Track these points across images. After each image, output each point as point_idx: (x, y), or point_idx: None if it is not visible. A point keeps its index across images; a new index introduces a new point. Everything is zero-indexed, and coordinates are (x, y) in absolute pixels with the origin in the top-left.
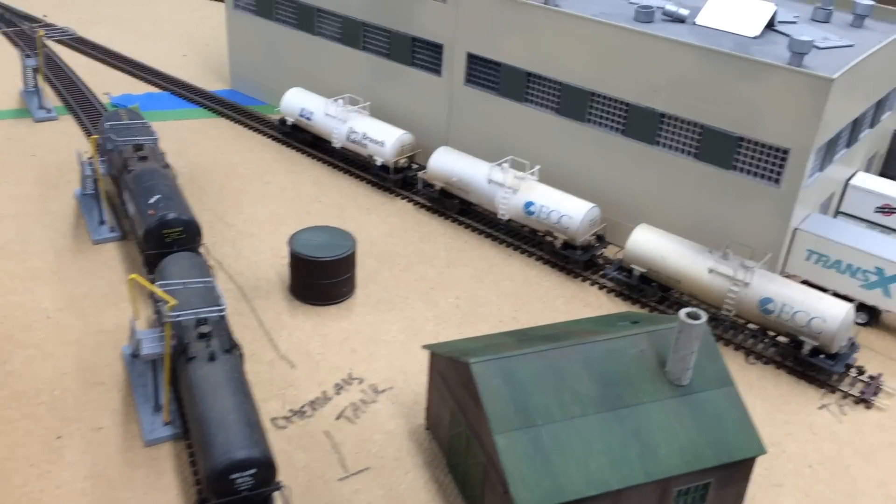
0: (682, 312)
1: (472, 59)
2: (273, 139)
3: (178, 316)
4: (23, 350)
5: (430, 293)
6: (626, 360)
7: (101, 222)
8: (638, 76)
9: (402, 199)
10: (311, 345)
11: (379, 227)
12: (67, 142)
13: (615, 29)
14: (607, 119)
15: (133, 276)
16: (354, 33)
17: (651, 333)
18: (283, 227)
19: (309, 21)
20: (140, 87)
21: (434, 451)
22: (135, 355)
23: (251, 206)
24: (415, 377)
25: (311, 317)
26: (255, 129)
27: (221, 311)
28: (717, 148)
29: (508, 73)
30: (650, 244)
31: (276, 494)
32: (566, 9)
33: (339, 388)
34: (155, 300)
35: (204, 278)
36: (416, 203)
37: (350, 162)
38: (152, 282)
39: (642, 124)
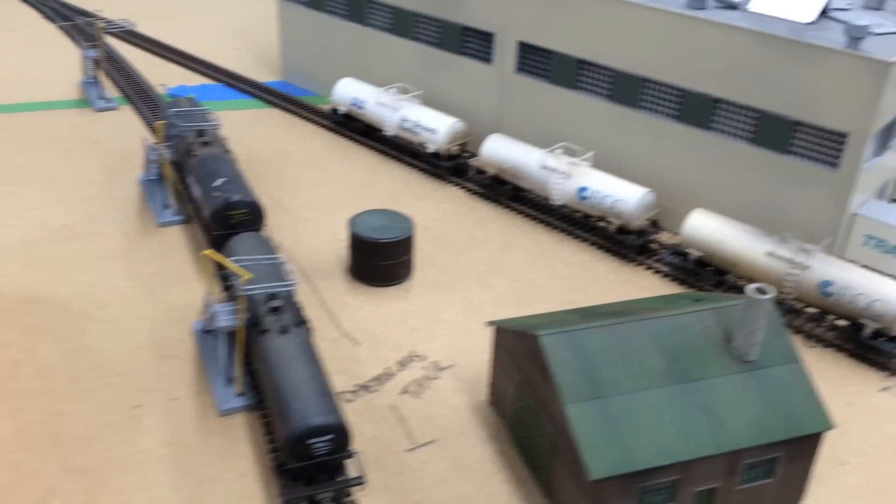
0: (751, 287)
1: (524, 48)
2: (325, 128)
3: (252, 290)
4: (98, 325)
5: (485, 276)
6: (692, 336)
7: (166, 206)
8: (692, 62)
9: (454, 185)
10: (373, 323)
11: (432, 212)
12: (128, 130)
13: (669, 15)
14: (660, 105)
15: (207, 251)
16: (405, 23)
17: (717, 310)
18: (338, 211)
19: (359, 12)
20: (194, 79)
21: (498, 425)
22: (206, 331)
23: (307, 192)
24: (475, 355)
25: (371, 297)
26: (308, 119)
27: (292, 285)
28: (773, 132)
29: (560, 61)
30: (707, 228)
31: (350, 462)
32: None
33: (401, 365)
34: (225, 277)
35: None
36: (468, 190)
37: (401, 150)
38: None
39: (696, 109)
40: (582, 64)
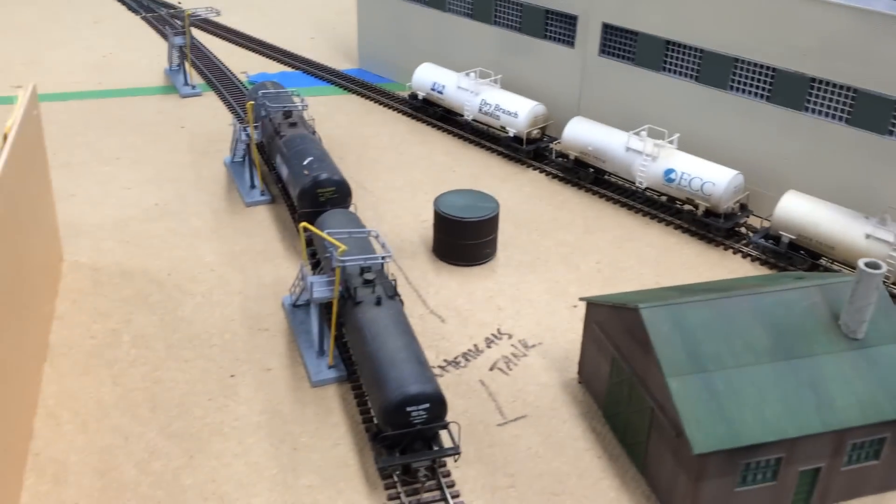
0: (862, 262)
1: (608, 30)
2: (403, 114)
3: (350, 261)
4: (192, 298)
5: (569, 257)
6: (798, 312)
7: (252, 186)
8: (785, 40)
9: (534, 169)
10: (459, 301)
11: (514, 195)
12: (212, 115)
13: None
14: (751, 85)
15: (303, 223)
16: (486, 8)
17: (823, 286)
18: (420, 193)
19: None
20: (274, 67)
21: (588, 402)
22: (296, 305)
23: (388, 175)
24: (562, 334)
25: (456, 276)
26: (386, 105)
27: (389, 257)
28: (872, 112)
29: (646, 42)
30: (800, 210)
31: (444, 432)
32: None
33: (489, 342)
34: (315, 251)
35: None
36: (549, 173)
37: (480, 134)
38: (309, 238)
39: (790, 90)
40: (669, 45)
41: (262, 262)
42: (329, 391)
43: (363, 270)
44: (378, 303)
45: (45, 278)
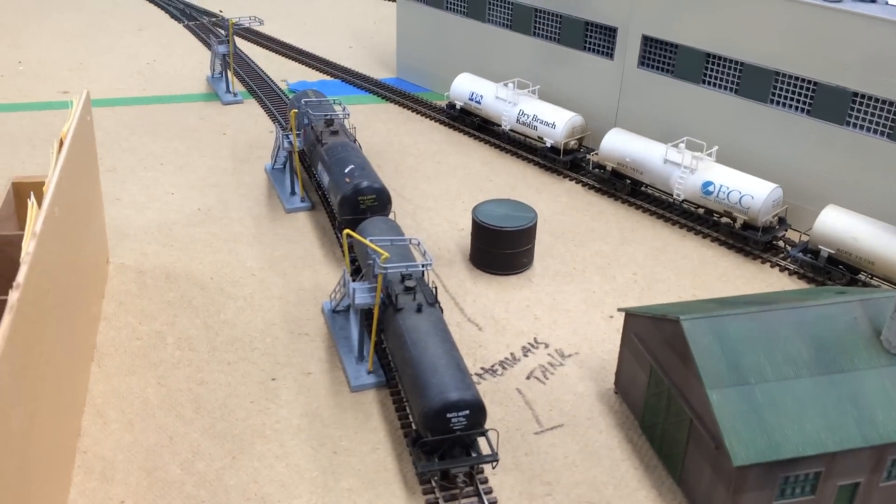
0: None
1: (648, 42)
2: (441, 123)
3: (392, 268)
4: (234, 302)
5: (606, 268)
6: (839, 326)
7: (293, 193)
8: (828, 55)
9: (571, 180)
10: (496, 310)
11: (550, 205)
12: (253, 122)
13: (805, 7)
14: (791, 99)
15: (347, 230)
16: (525, 19)
17: (865, 301)
18: (457, 202)
19: (479, 9)
20: (313, 75)
21: (625, 413)
22: (336, 311)
23: (426, 183)
24: (599, 344)
25: (493, 285)
26: (423, 114)
27: (429, 265)
28: None
29: (686, 55)
30: (840, 224)
31: (482, 440)
32: None
33: (526, 351)
34: (354, 258)
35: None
36: (585, 184)
37: (517, 144)
38: (350, 245)
39: (831, 104)
40: (709, 57)
41: (301, 268)
42: (368, 396)
43: (404, 277)
44: (419, 310)
45: (94, 280)
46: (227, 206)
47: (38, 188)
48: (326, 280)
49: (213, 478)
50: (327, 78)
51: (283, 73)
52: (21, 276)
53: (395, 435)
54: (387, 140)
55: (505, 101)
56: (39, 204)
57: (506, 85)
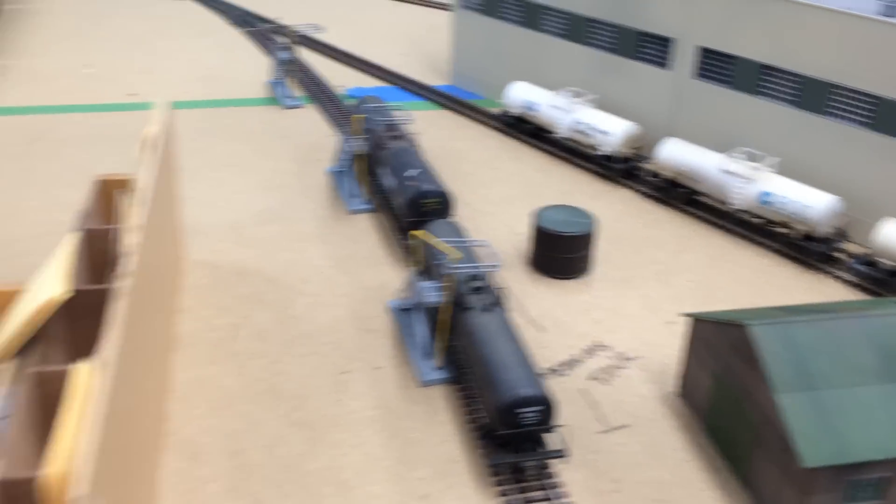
0: None
1: (704, 53)
2: (495, 130)
3: (460, 268)
4: (304, 298)
5: (663, 275)
6: None
7: (353, 195)
8: (888, 69)
9: (625, 188)
10: (557, 313)
11: (605, 212)
12: (313, 126)
13: (865, 21)
14: (851, 112)
15: (419, 231)
16: (579, 29)
17: None
18: (514, 207)
19: (534, 18)
20: (369, 82)
21: (688, 415)
22: (404, 309)
23: (483, 189)
24: (659, 349)
25: (553, 289)
26: (478, 121)
27: (497, 266)
28: None
29: (742, 66)
30: None
31: (550, 437)
32: (809, 1)
33: (588, 353)
34: (421, 259)
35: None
36: (640, 192)
37: (571, 152)
38: (414, 246)
39: (892, 117)
40: (766, 69)
41: (366, 267)
42: (436, 391)
43: (472, 278)
44: (487, 309)
45: (175, 274)
46: (292, 208)
47: (121, 185)
48: (389, 279)
49: (293, 463)
50: (383, 84)
51: (340, 78)
52: (132, 265)
53: (462, 429)
54: (443, 146)
55: (560, 110)
56: (132, 201)
57: (561, 93)
